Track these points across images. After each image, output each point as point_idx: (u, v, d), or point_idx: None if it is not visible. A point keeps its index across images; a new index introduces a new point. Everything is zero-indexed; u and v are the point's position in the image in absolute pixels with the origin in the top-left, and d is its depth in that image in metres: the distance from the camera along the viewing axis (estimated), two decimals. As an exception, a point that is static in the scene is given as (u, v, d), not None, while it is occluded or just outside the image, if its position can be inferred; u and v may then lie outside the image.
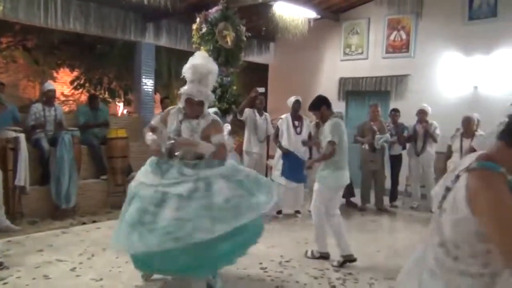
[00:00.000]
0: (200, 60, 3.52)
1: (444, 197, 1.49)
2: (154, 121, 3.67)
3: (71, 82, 11.21)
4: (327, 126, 4.48)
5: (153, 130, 3.62)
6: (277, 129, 6.48)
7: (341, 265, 4.37)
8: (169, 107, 3.69)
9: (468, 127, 6.15)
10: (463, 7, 7.99)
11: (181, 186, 3.20)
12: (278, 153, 6.42)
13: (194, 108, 3.45)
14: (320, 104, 4.58)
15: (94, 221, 6.01)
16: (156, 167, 3.41)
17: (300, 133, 6.39)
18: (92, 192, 6.69)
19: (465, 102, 7.81)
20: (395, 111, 7.63)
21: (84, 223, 5.90)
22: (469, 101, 7.80)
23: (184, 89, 3.45)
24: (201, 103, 3.46)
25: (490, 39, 7.68)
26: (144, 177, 3.41)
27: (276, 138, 6.45)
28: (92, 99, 7.44)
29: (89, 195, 6.63)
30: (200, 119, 3.48)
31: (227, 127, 5.38)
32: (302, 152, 6.36)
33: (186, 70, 3.48)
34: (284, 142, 6.30)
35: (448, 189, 1.48)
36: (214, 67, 3.63)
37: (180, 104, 3.55)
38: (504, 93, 7.35)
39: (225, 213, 3.13)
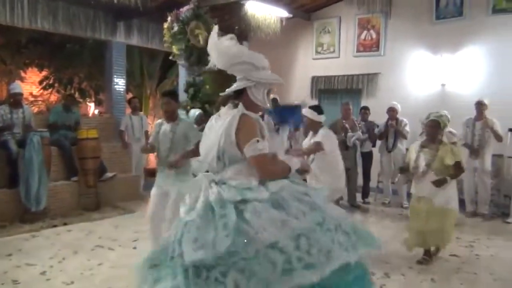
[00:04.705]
0: None
1: None
2: (264, 145, 2.30)
3: (40, 82, 10.95)
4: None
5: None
6: None
7: None
8: (240, 114, 2.34)
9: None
10: (430, 7, 8.18)
11: None
12: None
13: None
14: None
15: (65, 224, 5.91)
16: None
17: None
18: (63, 194, 6.57)
19: (433, 99, 8.00)
20: (365, 109, 7.77)
21: (55, 226, 5.80)
22: (437, 99, 7.99)
23: (268, 75, 2.43)
24: None
25: (457, 37, 7.87)
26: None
27: None
28: (68, 100, 7.43)
29: (60, 197, 6.50)
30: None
31: None
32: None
33: (254, 57, 2.41)
34: None
35: None
36: None
37: (257, 96, 2.42)
38: (471, 91, 7.55)
39: None
